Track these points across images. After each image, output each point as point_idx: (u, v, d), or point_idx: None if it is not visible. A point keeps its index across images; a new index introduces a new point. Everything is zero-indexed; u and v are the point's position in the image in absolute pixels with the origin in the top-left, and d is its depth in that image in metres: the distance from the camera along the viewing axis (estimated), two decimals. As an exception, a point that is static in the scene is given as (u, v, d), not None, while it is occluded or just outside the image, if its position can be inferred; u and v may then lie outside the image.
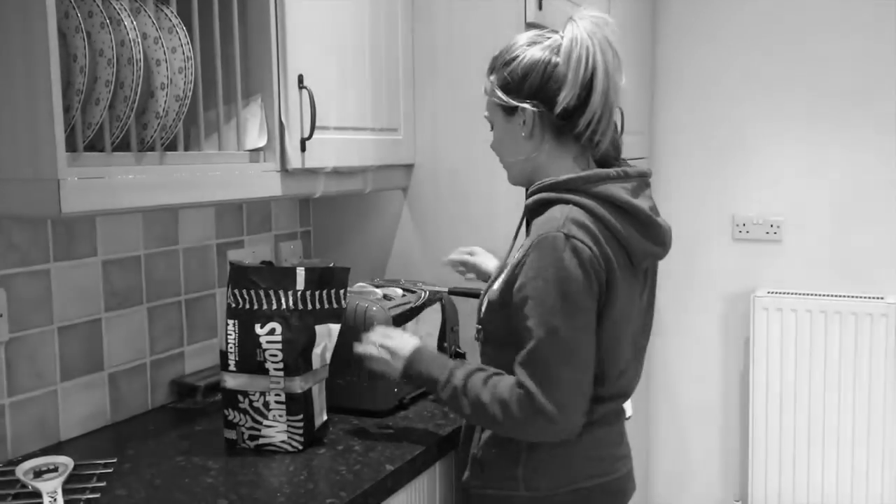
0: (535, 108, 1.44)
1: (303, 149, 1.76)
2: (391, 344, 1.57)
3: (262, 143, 1.70)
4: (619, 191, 1.41)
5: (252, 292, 1.59)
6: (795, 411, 2.99)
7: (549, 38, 1.46)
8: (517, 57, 1.45)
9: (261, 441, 1.60)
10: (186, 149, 1.58)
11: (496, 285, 1.49)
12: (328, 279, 1.61)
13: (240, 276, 1.60)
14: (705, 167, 3.18)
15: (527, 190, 1.52)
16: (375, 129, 2.03)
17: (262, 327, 1.58)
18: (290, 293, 1.59)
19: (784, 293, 3.03)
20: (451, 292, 2.00)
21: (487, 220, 2.13)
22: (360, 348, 1.61)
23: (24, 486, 1.42)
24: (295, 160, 1.75)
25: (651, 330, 1.60)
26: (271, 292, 1.59)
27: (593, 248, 1.36)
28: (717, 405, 3.28)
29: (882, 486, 2.92)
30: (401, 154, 2.14)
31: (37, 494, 1.38)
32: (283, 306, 1.58)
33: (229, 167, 1.60)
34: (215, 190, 1.56)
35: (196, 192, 1.52)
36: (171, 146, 1.51)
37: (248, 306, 1.59)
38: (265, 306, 1.58)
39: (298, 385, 1.58)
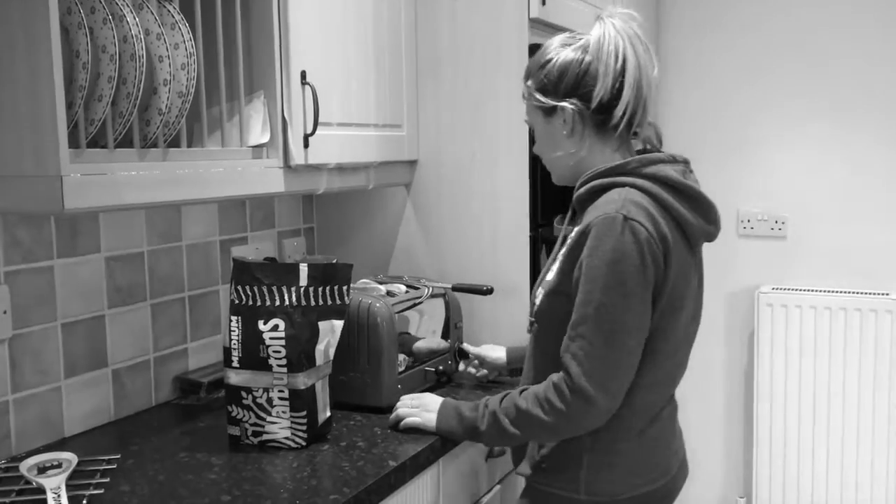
0: (573, 106, 1.46)
1: (306, 145, 1.76)
2: (420, 402, 1.68)
3: (264, 139, 1.70)
4: (672, 171, 1.44)
5: (255, 288, 1.59)
6: (800, 408, 2.98)
7: (580, 39, 1.49)
8: (551, 59, 1.48)
9: (264, 437, 1.60)
10: (189, 146, 1.58)
11: (550, 275, 1.50)
12: (331, 276, 1.61)
13: (243, 273, 1.60)
14: (710, 162, 3.17)
15: (573, 187, 1.54)
16: (378, 125, 2.03)
17: (265, 323, 1.58)
18: (293, 289, 1.59)
19: (789, 289, 3.03)
20: (455, 288, 2.00)
21: (490, 217, 2.13)
22: (394, 414, 1.70)
23: (28, 482, 1.42)
24: (298, 156, 1.75)
25: (700, 316, 1.60)
26: (274, 288, 1.59)
27: (650, 230, 1.37)
28: (720, 401, 3.27)
29: (887, 483, 2.91)
30: (404, 150, 2.14)
31: (41, 490, 1.38)
32: (287, 302, 1.58)
33: (232, 163, 1.60)
34: (218, 186, 1.56)
35: (199, 189, 1.52)
36: (174, 143, 1.51)
37: (251, 302, 1.59)
38: (268, 302, 1.59)
39: (302, 381, 1.58)
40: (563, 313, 1.44)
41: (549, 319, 1.49)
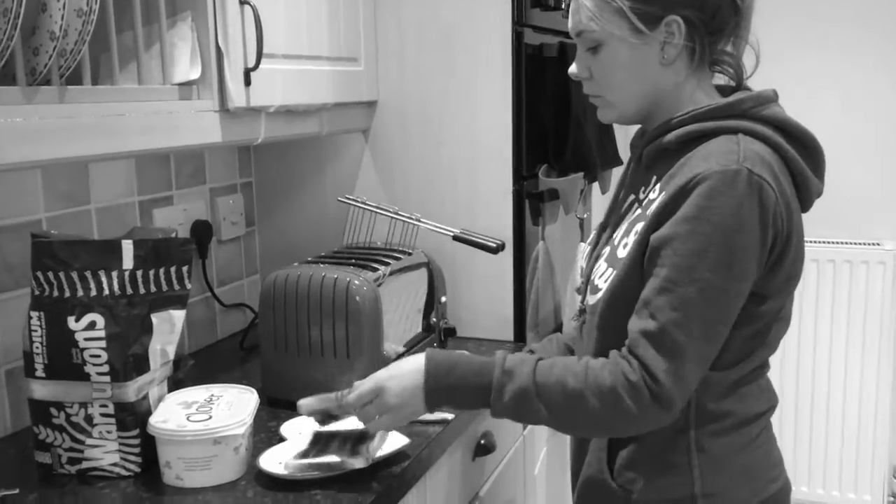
0: (683, 20, 1.08)
1: (247, 82, 1.39)
2: (385, 401, 1.15)
3: (194, 75, 1.33)
4: (786, 114, 1.12)
5: (62, 274, 1.21)
6: (784, 362, 2.79)
7: None
8: None
9: (84, 465, 1.24)
10: (95, 83, 1.20)
11: (623, 250, 1.11)
12: (165, 254, 1.25)
13: (44, 254, 1.21)
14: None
15: (640, 130, 1.20)
16: (332, 59, 1.67)
17: (77, 320, 1.21)
18: (114, 274, 1.22)
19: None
20: (458, 238, 1.61)
21: (465, 168, 1.80)
22: (371, 429, 1.20)
23: None
24: (238, 97, 1.38)
25: None
26: (88, 274, 1.21)
27: (776, 192, 1.03)
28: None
29: (874, 435, 2.76)
30: (361, 89, 1.78)
31: None
32: (106, 292, 1.21)
33: (153, 106, 1.23)
34: (135, 137, 1.20)
35: (109, 141, 1.15)
36: (74, 78, 1.13)
37: (57, 293, 1.21)
38: (81, 293, 1.21)
39: (132, 392, 1.22)
40: (635, 298, 1.08)
41: (620, 310, 1.10)
